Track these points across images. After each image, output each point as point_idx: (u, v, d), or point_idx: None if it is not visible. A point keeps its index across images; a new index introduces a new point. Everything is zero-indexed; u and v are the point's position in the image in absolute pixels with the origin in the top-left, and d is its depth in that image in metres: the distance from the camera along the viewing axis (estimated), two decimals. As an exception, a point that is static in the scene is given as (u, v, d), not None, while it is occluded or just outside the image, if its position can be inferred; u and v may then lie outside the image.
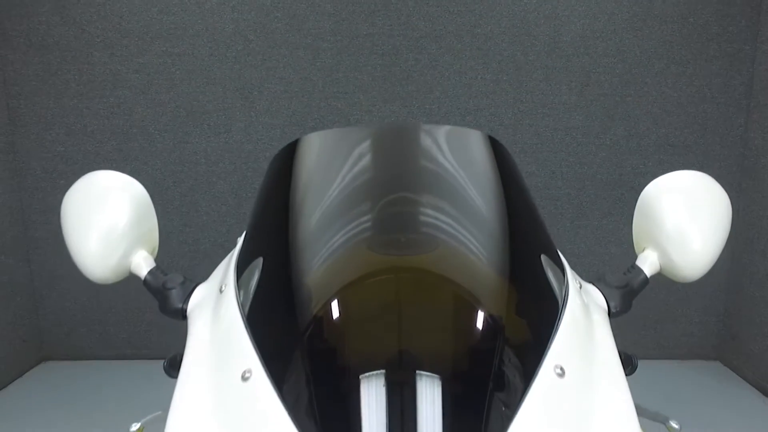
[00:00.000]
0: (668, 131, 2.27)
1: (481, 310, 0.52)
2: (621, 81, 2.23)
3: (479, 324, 0.51)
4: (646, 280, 0.72)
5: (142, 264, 0.76)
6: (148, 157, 2.23)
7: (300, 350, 0.50)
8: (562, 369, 0.50)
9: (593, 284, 0.72)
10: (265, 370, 0.49)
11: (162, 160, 2.25)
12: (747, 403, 2.11)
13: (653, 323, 2.41)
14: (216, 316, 0.61)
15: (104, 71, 2.18)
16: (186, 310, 0.70)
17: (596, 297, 0.69)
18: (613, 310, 0.67)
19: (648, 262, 0.73)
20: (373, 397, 0.44)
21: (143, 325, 2.39)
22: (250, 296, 0.58)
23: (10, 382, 2.25)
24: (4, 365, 2.23)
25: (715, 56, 2.21)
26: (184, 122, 2.22)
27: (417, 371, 0.45)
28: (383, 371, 0.46)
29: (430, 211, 0.61)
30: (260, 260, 0.63)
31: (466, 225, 0.61)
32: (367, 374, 0.46)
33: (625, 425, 0.48)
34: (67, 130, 2.22)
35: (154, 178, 2.23)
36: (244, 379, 0.49)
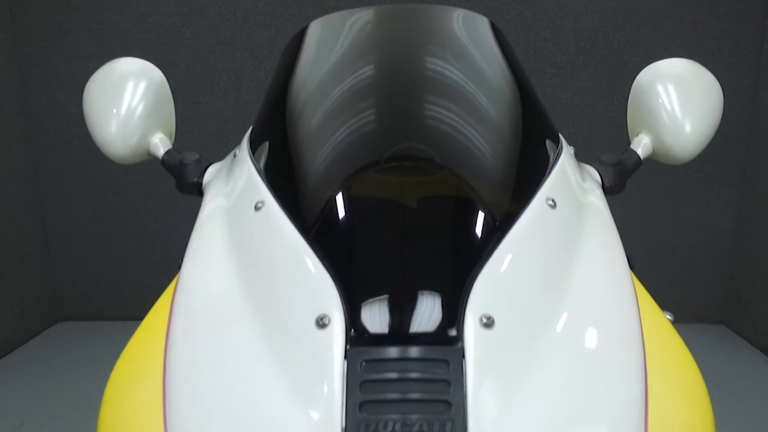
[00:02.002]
0: (677, 91, 2.26)
1: (481, 146, 0.54)
2: (629, 41, 2.22)
3: (479, 155, 0.53)
4: (639, 161, 0.75)
5: (160, 145, 0.79)
6: (158, 118, 2.25)
7: (309, 183, 0.52)
8: (553, 201, 0.51)
9: (588, 164, 0.74)
10: (277, 201, 0.51)
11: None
12: (751, 365, 2.13)
13: (658, 288, 2.43)
14: (230, 173, 0.64)
15: (114, 31, 2.19)
16: (201, 184, 0.73)
17: (591, 171, 0.72)
18: (606, 185, 0.69)
19: (641, 145, 0.76)
20: (378, 214, 0.47)
21: (157, 286, 2.42)
22: (264, 151, 0.61)
23: (26, 342, 2.30)
24: (20, 325, 2.28)
25: (726, 15, 2.20)
26: (193, 82, 2.23)
27: (418, 197, 0.48)
28: (388, 197, 0.48)
29: (435, 86, 0.63)
30: (272, 128, 0.65)
31: (469, 98, 0.63)
32: (371, 197, 0.48)
33: (613, 259, 0.50)
34: (79, 90, 2.21)
35: (164, 139, 2.25)
36: (257, 209, 0.51)
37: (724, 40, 2.22)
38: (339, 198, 0.49)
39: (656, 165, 2.43)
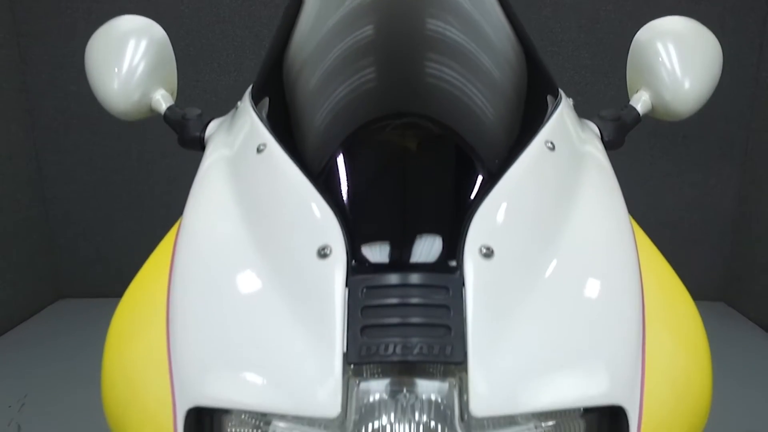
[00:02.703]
0: (678, 70, 2.26)
1: (482, 94, 0.54)
2: (631, 18, 2.20)
3: (479, 102, 0.54)
4: (638, 118, 0.75)
5: (162, 101, 0.79)
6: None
7: (311, 128, 0.53)
8: (552, 144, 0.51)
9: (587, 119, 0.75)
10: (279, 144, 0.51)
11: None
12: (750, 341, 2.15)
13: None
14: (232, 124, 0.64)
15: (113, 9, 2.18)
16: (204, 138, 0.73)
17: (590, 125, 0.72)
18: (605, 139, 0.69)
19: (641, 101, 0.76)
20: (378, 155, 0.47)
21: (156, 265, 2.43)
22: (266, 102, 0.61)
23: (28, 318, 2.32)
24: (21, 301, 2.29)
25: (728, -8, 2.19)
26: (194, 61, 2.22)
27: (418, 143, 0.48)
28: (389, 139, 0.48)
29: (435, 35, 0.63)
30: (274, 80, 0.65)
31: (471, 49, 0.63)
32: (372, 139, 0.48)
33: (612, 202, 0.50)
34: (78, 69, 2.22)
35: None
36: (259, 151, 0.52)
37: (726, 19, 2.20)
38: (341, 139, 0.49)
39: (657, 144, 2.43)
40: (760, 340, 2.16)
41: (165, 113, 0.78)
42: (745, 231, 2.32)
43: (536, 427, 0.40)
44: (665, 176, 2.32)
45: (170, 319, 0.44)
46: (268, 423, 0.40)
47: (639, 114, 0.75)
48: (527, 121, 0.55)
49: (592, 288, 0.42)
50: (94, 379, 1.96)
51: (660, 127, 2.27)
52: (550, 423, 0.40)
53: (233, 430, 0.41)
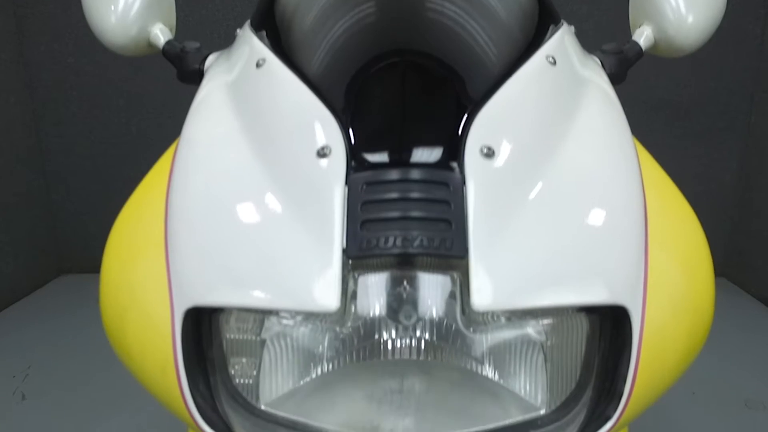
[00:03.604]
0: (682, 42, 2.24)
1: (483, 15, 0.53)
2: (636, -11, 2.18)
3: (480, 20, 0.52)
4: (640, 52, 0.74)
5: (160, 35, 0.78)
6: (159, 71, 2.22)
7: (311, 42, 0.52)
8: (554, 59, 0.50)
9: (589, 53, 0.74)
10: (278, 57, 0.50)
11: (173, 72, 2.24)
12: (750, 316, 2.16)
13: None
14: (231, 52, 0.63)
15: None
16: (203, 71, 0.72)
17: (592, 56, 0.71)
18: (607, 71, 0.69)
19: (643, 36, 0.75)
20: (379, 65, 0.46)
21: (157, 239, 2.43)
22: (267, 26, 0.59)
23: (29, 293, 2.32)
24: (23, 276, 2.29)
25: (734, -38, 2.16)
26: (193, 33, 2.20)
27: (419, 53, 0.47)
28: (389, 47, 0.48)
29: None
30: (274, 10, 0.64)
31: None
32: (373, 46, 0.47)
33: (615, 119, 0.49)
34: (76, 40, 2.21)
35: (165, 90, 2.23)
36: (258, 66, 0.51)
37: (731, -11, 2.19)
38: (341, 50, 0.48)
39: (659, 118, 2.41)
40: (760, 315, 2.17)
41: (163, 47, 0.77)
42: (747, 206, 2.32)
43: (537, 326, 0.40)
44: (667, 150, 2.31)
45: (168, 222, 0.43)
46: (266, 316, 0.40)
47: (641, 49, 0.74)
48: (529, 41, 0.54)
49: (595, 191, 0.41)
50: (97, 350, 1.96)
51: (662, 100, 2.26)
52: (551, 322, 0.40)
53: (231, 332, 0.41)
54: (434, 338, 0.38)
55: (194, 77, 0.73)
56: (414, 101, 0.44)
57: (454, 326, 0.38)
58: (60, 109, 2.28)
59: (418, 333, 0.38)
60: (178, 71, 0.76)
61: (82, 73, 2.24)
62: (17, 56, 2.21)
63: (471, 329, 0.39)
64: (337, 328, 0.39)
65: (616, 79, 0.69)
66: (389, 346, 0.39)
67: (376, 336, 0.39)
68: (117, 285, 0.45)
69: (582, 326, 0.40)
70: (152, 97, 2.25)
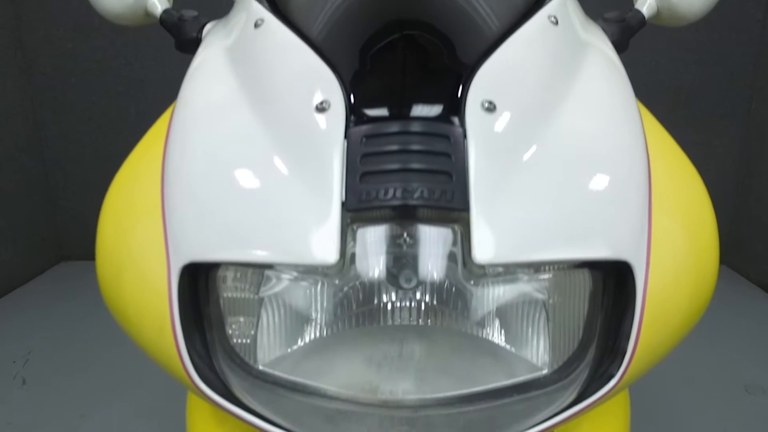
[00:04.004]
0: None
1: None
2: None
3: None
4: (643, 21, 0.74)
5: (157, 3, 0.77)
6: (158, 51, 2.21)
7: (311, 4, 0.51)
8: (555, 18, 0.49)
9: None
10: (277, 17, 0.49)
11: (172, 58, 2.23)
12: (750, 302, 2.16)
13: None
14: (228, 18, 0.62)
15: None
16: (201, 39, 0.71)
17: (594, 24, 0.70)
18: (610, 39, 0.68)
19: (646, 4, 0.74)
20: (379, 23, 0.45)
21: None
22: None
23: (29, 280, 2.32)
24: (23, 262, 2.29)
25: (736, -54, 2.14)
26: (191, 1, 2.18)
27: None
28: (390, 8, 0.47)
29: None
30: None
31: None
32: (372, 7, 0.46)
33: (617, 79, 0.48)
34: (74, 25, 2.20)
35: (164, 76, 2.21)
36: (256, 26, 0.50)
37: (733, -26, 2.17)
38: (340, 10, 0.47)
39: (659, 104, 2.42)
40: (760, 301, 2.17)
41: (161, 16, 0.76)
42: (747, 193, 2.31)
43: (539, 284, 0.39)
44: (668, 136, 2.30)
45: (165, 179, 0.42)
46: (263, 273, 0.39)
47: (644, 17, 0.73)
48: (530, 5, 0.53)
49: (598, 149, 0.41)
50: (97, 336, 1.96)
51: (663, 86, 2.25)
52: (554, 280, 0.39)
53: (229, 291, 0.40)
54: (434, 301, 0.38)
55: (192, 46, 0.72)
56: (414, 59, 0.43)
57: (454, 287, 0.38)
58: (58, 96, 2.26)
59: (418, 296, 0.38)
60: (176, 40, 0.75)
61: (80, 58, 2.22)
62: (15, 42, 2.20)
63: (472, 285, 0.38)
64: (337, 282, 0.38)
65: (618, 47, 0.68)
66: (389, 310, 0.38)
67: (375, 300, 0.38)
68: (113, 245, 0.44)
69: (585, 284, 0.39)
70: (152, 83, 2.24)
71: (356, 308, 0.38)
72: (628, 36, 0.71)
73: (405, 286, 0.38)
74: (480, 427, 0.39)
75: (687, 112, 2.27)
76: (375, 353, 0.39)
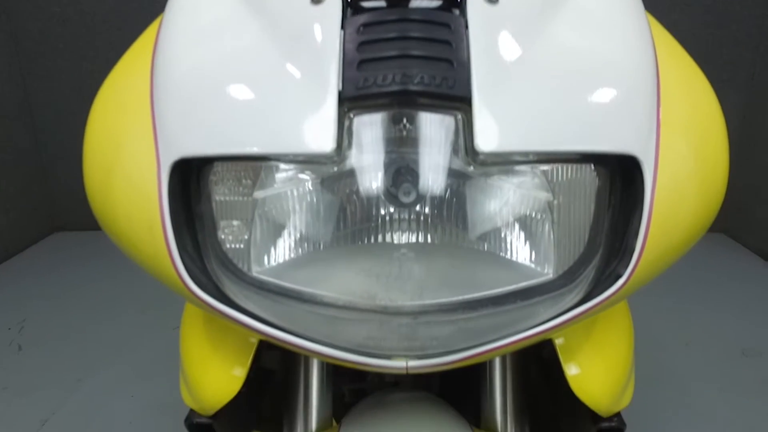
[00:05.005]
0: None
1: None
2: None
3: None
4: None
5: None
6: (147, 15, 2.16)
7: None
8: None
9: None
10: None
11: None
12: (748, 269, 2.16)
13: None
14: None
15: None
16: None
17: None
18: None
19: None
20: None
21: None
22: None
23: (23, 250, 2.30)
24: (16, 232, 2.27)
25: None
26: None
27: None
28: None
29: None
30: None
31: None
32: None
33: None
34: (62, -11, 2.14)
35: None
36: None
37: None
38: None
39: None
40: (758, 268, 2.17)
41: None
42: (749, 160, 2.29)
43: (543, 184, 0.37)
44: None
45: (155, 74, 0.40)
46: (257, 174, 0.38)
47: None
48: None
49: (605, 41, 0.38)
50: (91, 303, 1.95)
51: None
52: (559, 179, 0.37)
53: (221, 193, 0.38)
54: (435, 211, 0.36)
55: None
56: None
57: (455, 195, 0.36)
58: (47, 63, 2.22)
59: (418, 208, 0.36)
60: None
61: (68, 23, 2.17)
62: (0, 7, 2.14)
63: (474, 186, 0.36)
64: (335, 169, 0.36)
65: None
66: (387, 222, 0.36)
67: (374, 212, 0.36)
68: (101, 148, 0.42)
69: (591, 183, 0.38)
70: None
71: (353, 225, 0.37)
72: None
73: (404, 200, 0.36)
74: (482, 331, 0.38)
75: (689, 78, 2.24)
76: (373, 266, 0.37)
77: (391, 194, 0.36)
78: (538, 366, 0.63)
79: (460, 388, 0.70)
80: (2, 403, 1.41)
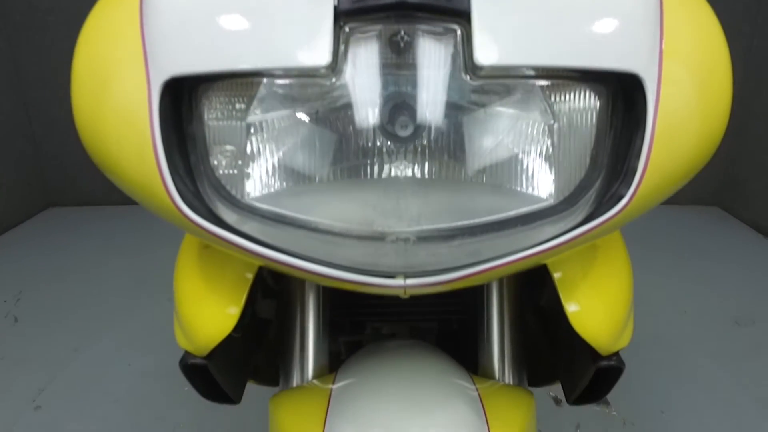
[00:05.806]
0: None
1: None
2: None
3: None
4: None
5: None
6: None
7: None
8: None
9: None
10: None
11: None
12: (742, 242, 2.17)
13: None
14: None
15: None
16: None
17: None
18: None
19: None
20: None
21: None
22: None
23: (16, 225, 2.28)
24: (10, 207, 2.25)
25: None
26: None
27: None
28: None
29: None
30: None
31: None
32: None
33: None
34: (51, -41, 2.10)
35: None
36: None
37: None
38: None
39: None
40: (751, 240, 2.19)
41: None
42: (744, 132, 2.29)
43: (543, 106, 0.37)
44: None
45: None
46: (251, 98, 0.37)
47: None
48: None
49: None
50: (86, 276, 1.94)
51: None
52: (559, 100, 0.37)
53: (214, 117, 0.37)
54: (432, 136, 0.35)
55: None
56: None
57: (453, 122, 0.35)
58: (38, 36, 2.18)
59: (416, 141, 0.35)
60: None
61: (58, -6, 2.14)
62: (-11, -24, 2.11)
63: (473, 107, 0.35)
64: (329, 82, 0.35)
65: None
66: (384, 156, 0.36)
67: (370, 144, 0.36)
68: (90, 76, 0.41)
69: (593, 104, 0.37)
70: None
71: (349, 153, 0.36)
72: None
73: (401, 134, 0.35)
74: (482, 252, 0.37)
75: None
76: (370, 197, 0.36)
77: (387, 131, 0.35)
78: (536, 316, 0.63)
79: (457, 339, 0.70)
80: (-1, 373, 1.41)
